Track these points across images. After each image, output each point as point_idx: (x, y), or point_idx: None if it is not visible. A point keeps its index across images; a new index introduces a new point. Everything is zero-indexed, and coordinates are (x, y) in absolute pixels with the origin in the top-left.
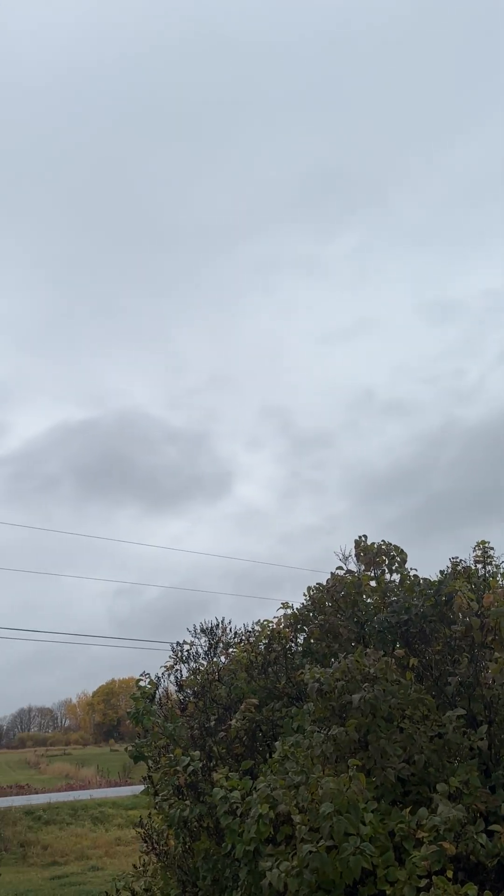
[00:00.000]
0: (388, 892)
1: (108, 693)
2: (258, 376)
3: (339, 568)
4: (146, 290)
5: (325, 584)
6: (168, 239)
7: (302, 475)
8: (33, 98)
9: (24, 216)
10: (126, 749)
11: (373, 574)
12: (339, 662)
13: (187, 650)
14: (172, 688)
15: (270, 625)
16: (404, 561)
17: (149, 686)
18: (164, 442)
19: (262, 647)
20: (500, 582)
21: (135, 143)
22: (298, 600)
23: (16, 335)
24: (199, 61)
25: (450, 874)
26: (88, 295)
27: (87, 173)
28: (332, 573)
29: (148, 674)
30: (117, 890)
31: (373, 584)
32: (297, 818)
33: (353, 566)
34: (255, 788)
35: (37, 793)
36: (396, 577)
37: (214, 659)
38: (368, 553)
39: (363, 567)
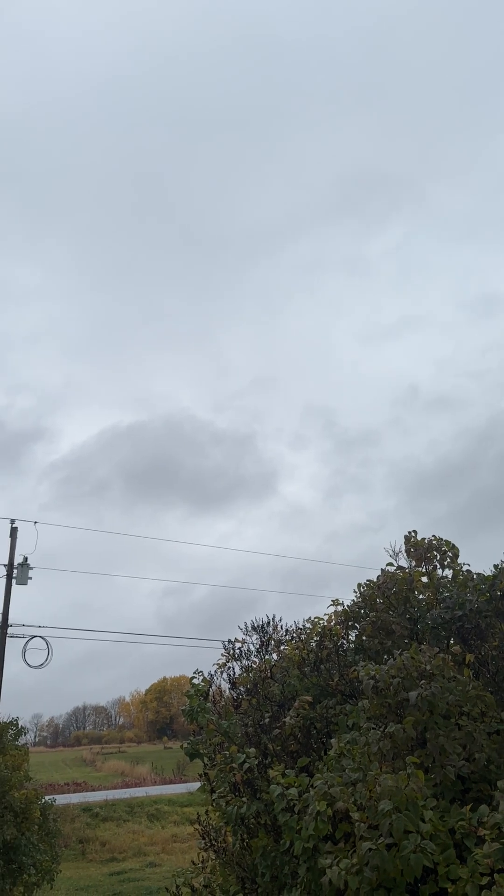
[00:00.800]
0: (449, 890)
1: (160, 691)
2: (302, 376)
3: (390, 564)
4: (191, 295)
5: (375, 580)
6: (213, 243)
7: (347, 473)
8: (77, 106)
9: (70, 224)
10: (181, 746)
11: (424, 570)
12: (395, 659)
13: (239, 648)
14: (225, 685)
15: (321, 622)
16: (456, 556)
17: (202, 684)
18: (211, 444)
19: (314, 644)
20: None
21: (179, 150)
22: (346, 597)
23: (64, 343)
24: (241, 67)
25: None
26: (134, 301)
27: (130, 180)
28: (382, 569)
29: (201, 671)
30: (177, 886)
31: (424, 580)
32: (355, 815)
33: (403, 562)
34: (312, 786)
35: (93, 790)
36: (448, 572)
37: (266, 656)
38: (419, 549)
39: (414, 563)
